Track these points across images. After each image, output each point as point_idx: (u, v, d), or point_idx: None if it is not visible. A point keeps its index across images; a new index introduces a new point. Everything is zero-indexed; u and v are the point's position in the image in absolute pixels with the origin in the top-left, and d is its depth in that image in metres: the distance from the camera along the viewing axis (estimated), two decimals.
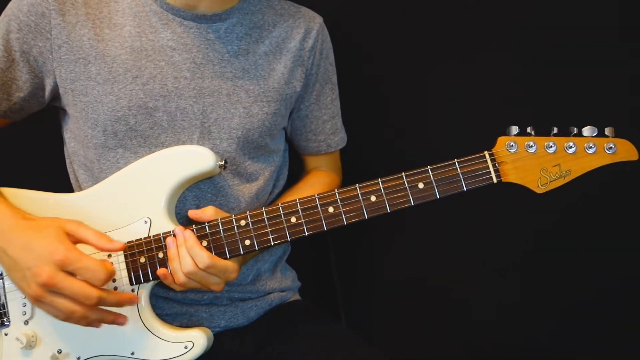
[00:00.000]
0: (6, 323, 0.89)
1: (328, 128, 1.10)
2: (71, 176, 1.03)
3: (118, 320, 0.84)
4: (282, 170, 1.10)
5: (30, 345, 0.87)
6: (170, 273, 0.85)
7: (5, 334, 0.89)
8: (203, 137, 0.94)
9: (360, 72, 1.27)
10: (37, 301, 0.80)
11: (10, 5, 0.93)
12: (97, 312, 0.81)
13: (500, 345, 1.29)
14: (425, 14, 1.23)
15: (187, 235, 0.84)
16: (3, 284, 0.90)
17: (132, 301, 0.85)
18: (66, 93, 0.93)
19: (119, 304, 0.83)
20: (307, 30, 1.03)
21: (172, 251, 0.85)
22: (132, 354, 0.87)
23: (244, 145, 0.97)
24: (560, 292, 1.25)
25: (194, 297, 0.98)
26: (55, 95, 0.95)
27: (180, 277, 0.84)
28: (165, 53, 0.93)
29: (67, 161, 1.03)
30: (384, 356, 0.90)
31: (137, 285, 0.88)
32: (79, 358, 0.88)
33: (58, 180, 1.02)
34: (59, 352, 0.88)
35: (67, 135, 1.01)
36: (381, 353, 0.90)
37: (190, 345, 0.86)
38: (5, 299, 0.90)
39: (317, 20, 1.06)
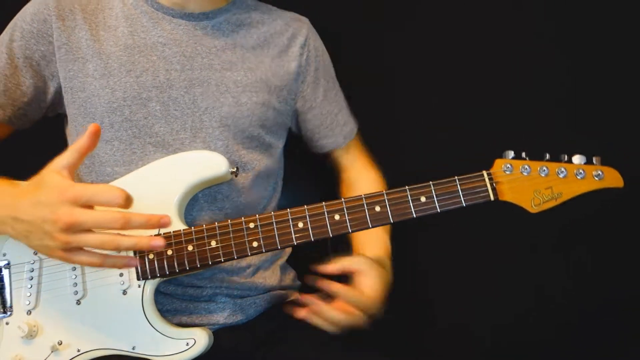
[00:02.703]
0: (8, 312, 0.90)
1: (340, 119, 1.17)
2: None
3: (153, 242, 0.77)
4: (278, 174, 1.14)
5: (31, 334, 0.88)
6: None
7: (7, 323, 0.90)
8: (195, 125, 0.99)
9: (364, 79, 1.33)
10: (67, 252, 0.76)
11: (14, 19, 1.01)
12: (129, 238, 0.76)
13: (499, 346, 1.31)
14: (428, 29, 1.31)
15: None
16: (10, 273, 0.91)
17: (164, 221, 0.77)
18: (66, 92, 0.99)
19: (149, 222, 0.76)
20: (297, 28, 1.12)
21: (315, 320, 0.94)
22: (133, 348, 0.88)
23: (236, 134, 1.01)
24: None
25: (193, 293, 0.99)
26: (59, 96, 1.01)
27: (329, 329, 0.94)
28: (157, 48, 1.00)
29: None
30: (384, 356, 0.92)
31: (144, 280, 0.90)
32: (79, 350, 0.88)
33: None
34: (60, 343, 0.88)
35: (70, 141, 1.06)
36: (381, 354, 0.93)
37: (191, 342, 0.88)
38: (11, 287, 0.91)
39: (304, 21, 1.15)
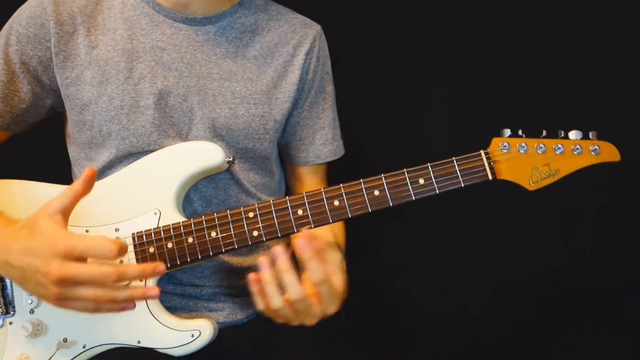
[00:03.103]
0: (11, 312, 0.90)
1: (318, 138, 1.09)
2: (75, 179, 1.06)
3: (148, 293, 0.78)
4: (280, 182, 1.12)
5: (35, 333, 0.88)
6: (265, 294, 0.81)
7: (10, 323, 0.90)
8: (191, 133, 0.97)
9: (363, 76, 1.32)
10: (60, 301, 0.75)
11: (9, 21, 0.97)
12: (123, 290, 0.75)
13: (497, 347, 1.33)
14: (424, 20, 1.31)
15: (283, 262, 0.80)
16: None
17: (158, 270, 0.76)
18: (64, 98, 0.97)
19: (143, 275, 0.76)
20: (303, 35, 1.05)
21: (266, 275, 0.81)
22: (139, 342, 0.88)
23: (229, 145, 0.99)
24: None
25: (193, 292, 1.00)
26: (59, 100, 0.99)
27: (275, 304, 0.81)
28: (155, 53, 0.96)
29: (72, 167, 1.07)
30: (384, 355, 0.93)
31: None
32: (84, 346, 0.88)
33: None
34: (65, 340, 0.88)
35: (68, 141, 1.05)
36: (380, 352, 0.93)
37: (197, 333, 0.88)
38: (12, 287, 0.90)
39: (314, 27, 1.08)
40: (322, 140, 1.10)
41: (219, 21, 1.00)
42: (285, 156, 1.14)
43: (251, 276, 0.82)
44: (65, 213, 0.77)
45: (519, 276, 1.33)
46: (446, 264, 1.34)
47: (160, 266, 0.76)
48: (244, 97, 0.99)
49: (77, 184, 0.77)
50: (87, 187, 0.78)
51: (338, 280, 0.86)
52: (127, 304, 0.76)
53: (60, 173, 1.05)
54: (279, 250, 0.81)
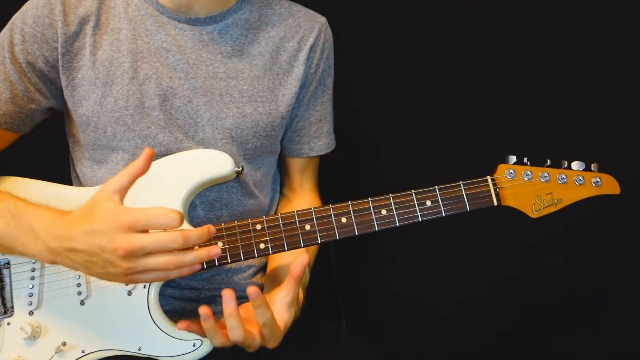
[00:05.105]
0: (9, 312, 0.89)
1: (313, 131, 1.09)
2: (74, 182, 1.06)
3: (212, 251, 0.77)
4: (275, 180, 1.13)
5: (34, 335, 0.87)
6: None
7: (8, 324, 0.88)
8: (198, 135, 0.97)
9: (371, 84, 1.33)
10: (130, 276, 0.76)
11: (12, 20, 0.95)
12: (190, 254, 0.76)
13: (497, 348, 1.36)
14: (433, 36, 1.32)
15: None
16: (9, 272, 0.90)
17: (212, 232, 0.77)
18: (68, 99, 0.96)
19: (203, 239, 0.76)
20: (308, 29, 1.04)
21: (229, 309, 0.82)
22: (139, 349, 0.88)
23: (239, 146, 0.99)
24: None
25: (191, 295, 1.00)
26: (61, 101, 0.98)
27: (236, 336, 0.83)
28: (160, 54, 0.96)
29: (72, 166, 1.06)
30: (385, 356, 0.94)
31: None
32: (84, 351, 0.87)
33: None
34: (64, 344, 0.87)
35: (71, 141, 1.03)
36: (381, 357, 0.95)
37: (198, 343, 0.88)
38: (11, 287, 0.89)
39: (319, 20, 1.07)
40: (317, 133, 1.10)
41: (223, 20, 1.00)
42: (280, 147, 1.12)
43: (204, 310, 0.81)
44: (123, 193, 0.77)
45: (517, 276, 1.36)
46: (446, 267, 1.36)
47: (213, 227, 0.77)
48: (251, 95, 0.99)
49: (138, 163, 0.77)
50: (146, 167, 0.78)
51: (282, 321, 0.86)
52: (195, 265, 0.77)
53: (58, 173, 1.03)
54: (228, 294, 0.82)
